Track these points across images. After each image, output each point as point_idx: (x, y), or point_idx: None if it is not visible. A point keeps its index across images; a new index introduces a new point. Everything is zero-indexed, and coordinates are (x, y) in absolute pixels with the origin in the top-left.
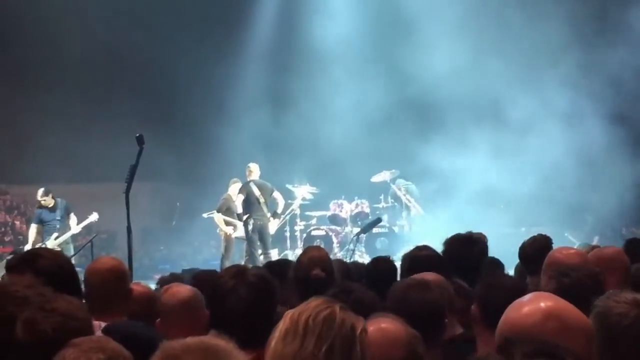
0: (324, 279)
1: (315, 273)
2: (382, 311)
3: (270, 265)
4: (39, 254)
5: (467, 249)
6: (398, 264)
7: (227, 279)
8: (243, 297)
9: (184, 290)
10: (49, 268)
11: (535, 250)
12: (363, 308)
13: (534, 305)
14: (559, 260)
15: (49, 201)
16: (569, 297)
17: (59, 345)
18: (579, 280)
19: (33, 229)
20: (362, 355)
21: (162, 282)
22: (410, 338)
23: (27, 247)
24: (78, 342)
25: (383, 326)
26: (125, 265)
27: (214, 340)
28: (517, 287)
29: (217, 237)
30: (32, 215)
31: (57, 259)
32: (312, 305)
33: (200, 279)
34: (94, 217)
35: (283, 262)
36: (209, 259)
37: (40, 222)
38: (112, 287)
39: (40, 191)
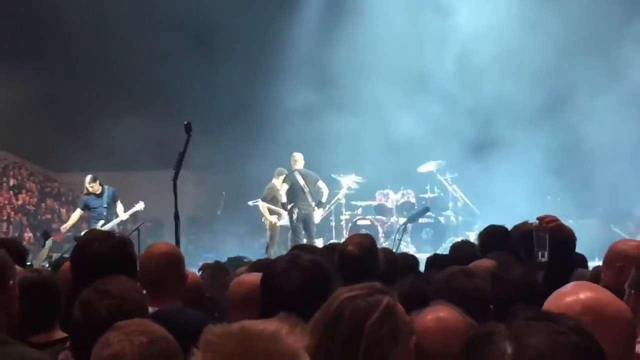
0: (357, 256)
1: (349, 249)
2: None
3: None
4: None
5: (501, 241)
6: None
7: (280, 263)
8: (295, 281)
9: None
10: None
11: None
12: None
13: (573, 296)
14: (623, 252)
15: (96, 187)
16: None
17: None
18: None
19: (77, 214)
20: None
21: (205, 268)
22: (468, 328)
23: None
24: (122, 324)
25: (441, 315)
26: (180, 251)
27: (262, 324)
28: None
29: (262, 226)
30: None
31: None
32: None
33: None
34: (139, 205)
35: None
36: (253, 248)
37: (87, 208)
38: (167, 271)
39: (88, 177)
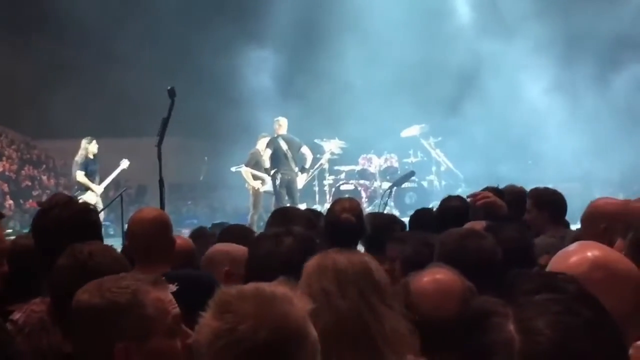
0: (354, 223)
1: (345, 217)
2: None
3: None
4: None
5: None
6: None
7: (272, 232)
8: (288, 244)
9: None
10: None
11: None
12: None
13: (581, 255)
14: (609, 212)
15: (95, 150)
16: None
17: (94, 272)
18: None
19: (83, 176)
20: None
21: (194, 235)
22: (465, 291)
23: (98, 189)
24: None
25: (437, 277)
26: (168, 216)
27: (272, 286)
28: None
29: (245, 191)
30: (62, 168)
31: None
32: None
33: (230, 232)
34: (124, 164)
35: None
36: (236, 214)
37: (86, 170)
38: (156, 237)
39: (92, 140)
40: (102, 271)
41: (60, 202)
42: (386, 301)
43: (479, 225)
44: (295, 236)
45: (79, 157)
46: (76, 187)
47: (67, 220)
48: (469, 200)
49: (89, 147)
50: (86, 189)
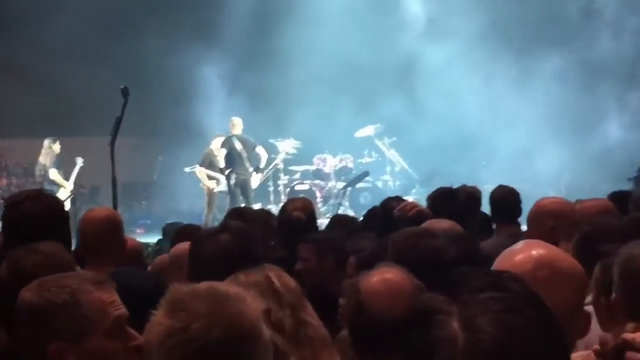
0: (305, 221)
1: (297, 215)
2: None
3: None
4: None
5: (450, 204)
6: None
7: (210, 229)
8: (224, 241)
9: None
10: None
11: (503, 196)
12: None
13: (526, 253)
14: (555, 211)
15: (58, 149)
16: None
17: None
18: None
19: (57, 174)
20: None
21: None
22: (415, 290)
23: (69, 186)
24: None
25: (387, 276)
26: (120, 216)
27: (225, 285)
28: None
29: (199, 191)
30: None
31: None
32: None
33: (184, 232)
34: (79, 162)
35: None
36: (191, 214)
37: (58, 168)
38: (107, 237)
39: (55, 141)
40: None
41: (31, 195)
42: (283, 304)
43: (443, 224)
44: (231, 231)
45: (44, 158)
46: (47, 185)
47: (39, 214)
48: (396, 212)
49: (53, 147)
50: (59, 186)
